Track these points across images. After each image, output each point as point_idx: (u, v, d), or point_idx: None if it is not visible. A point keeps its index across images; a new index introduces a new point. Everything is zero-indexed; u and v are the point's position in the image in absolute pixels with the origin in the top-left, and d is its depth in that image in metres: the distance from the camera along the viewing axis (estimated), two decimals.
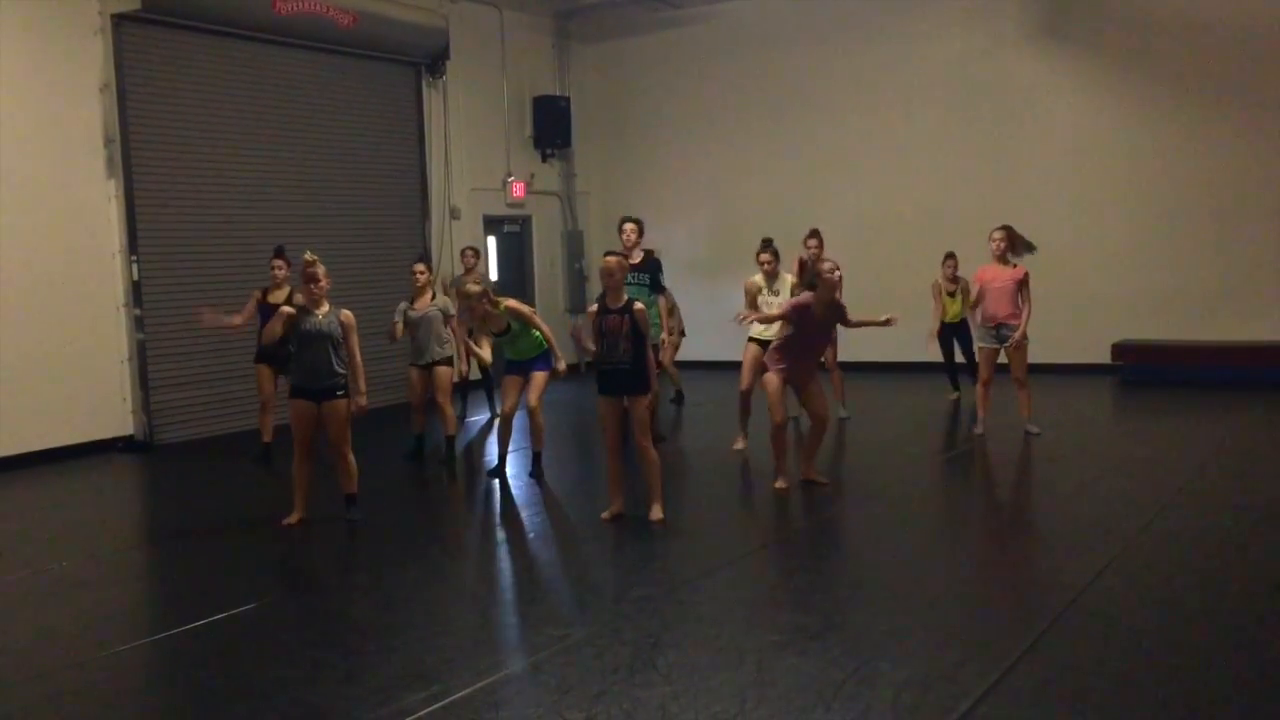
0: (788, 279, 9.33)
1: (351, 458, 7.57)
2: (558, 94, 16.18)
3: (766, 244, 9.35)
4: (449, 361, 9.64)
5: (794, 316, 7.83)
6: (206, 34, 11.62)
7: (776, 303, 9.05)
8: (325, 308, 7.43)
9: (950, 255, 11.72)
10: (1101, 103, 13.58)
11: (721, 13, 15.82)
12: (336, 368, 7.41)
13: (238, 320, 9.57)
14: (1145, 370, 12.91)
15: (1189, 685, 4.43)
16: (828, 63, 15.08)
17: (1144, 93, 13.35)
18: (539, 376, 8.62)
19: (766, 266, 9.28)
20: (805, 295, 7.90)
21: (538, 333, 8.54)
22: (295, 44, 12.50)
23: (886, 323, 8.11)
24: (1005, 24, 14.03)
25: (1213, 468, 8.49)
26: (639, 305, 7.12)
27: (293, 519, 7.54)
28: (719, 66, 15.86)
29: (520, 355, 8.62)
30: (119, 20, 10.82)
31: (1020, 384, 9.74)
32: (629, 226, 9.36)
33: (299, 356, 7.44)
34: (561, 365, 8.68)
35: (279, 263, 9.63)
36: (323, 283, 7.39)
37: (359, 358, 7.55)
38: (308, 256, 7.49)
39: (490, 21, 15.13)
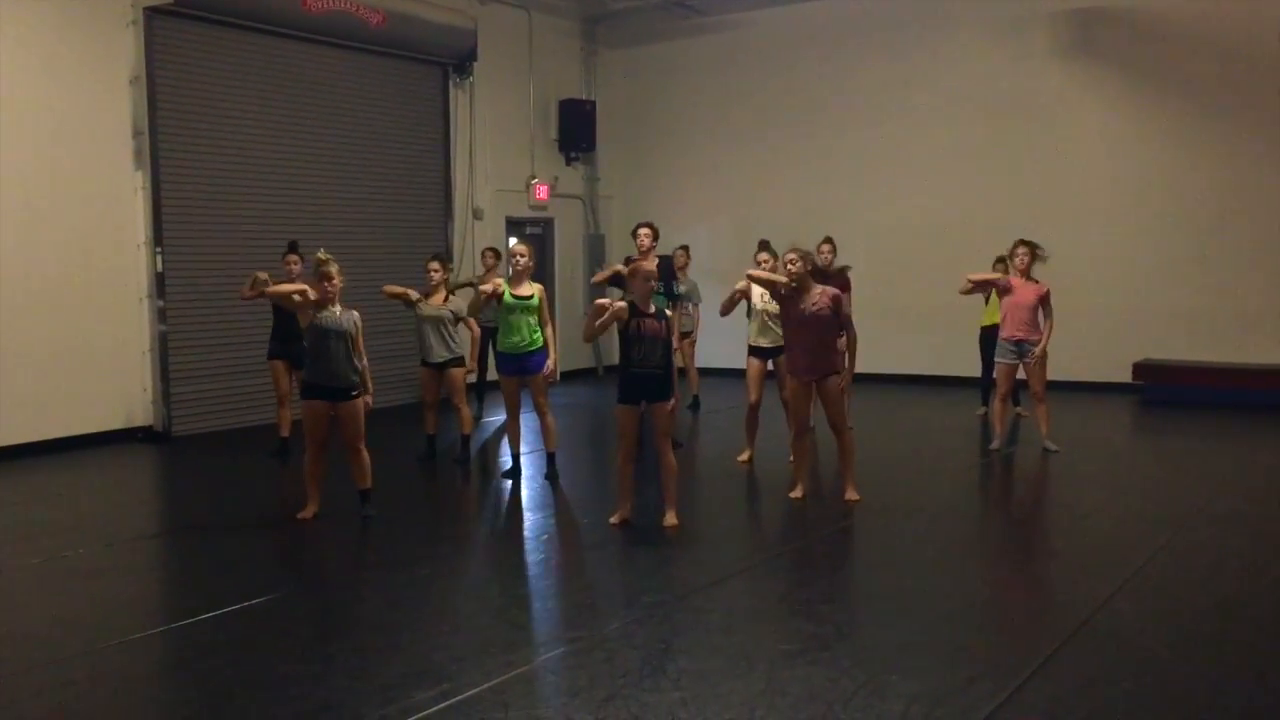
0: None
1: (366, 455, 7.59)
2: (583, 98, 16.23)
3: (763, 245, 9.28)
4: (460, 362, 9.62)
5: (776, 297, 7.84)
6: (237, 29, 11.69)
7: (775, 307, 9.03)
8: (337, 308, 7.47)
9: (1000, 260, 11.38)
10: (1130, 120, 13.52)
11: (748, 21, 15.82)
12: (355, 364, 7.45)
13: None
14: (1166, 390, 12.82)
15: (1201, 708, 4.40)
16: (854, 72, 15.06)
17: (1172, 111, 13.28)
18: (540, 378, 8.63)
19: (765, 267, 9.18)
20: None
21: (537, 328, 8.55)
22: (324, 41, 12.57)
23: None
24: (1035, 38, 13.98)
25: (1230, 491, 8.42)
26: (670, 314, 7.16)
27: (307, 513, 7.57)
28: (745, 74, 15.86)
29: (514, 347, 8.58)
30: (151, 13, 10.91)
31: (1039, 400, 9.70)
32: (644, 231, 9.34)
33: (314, 351, 7.46)
34: (553, 366, 8.69)
35: (293, 258, 9.66)
36: (336, 281, 7.43)
37: (365, 359, 7.63)
38: (321, 255, 7.54)
39: (519, 24, 15.18)
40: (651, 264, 7.27)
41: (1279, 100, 12.66)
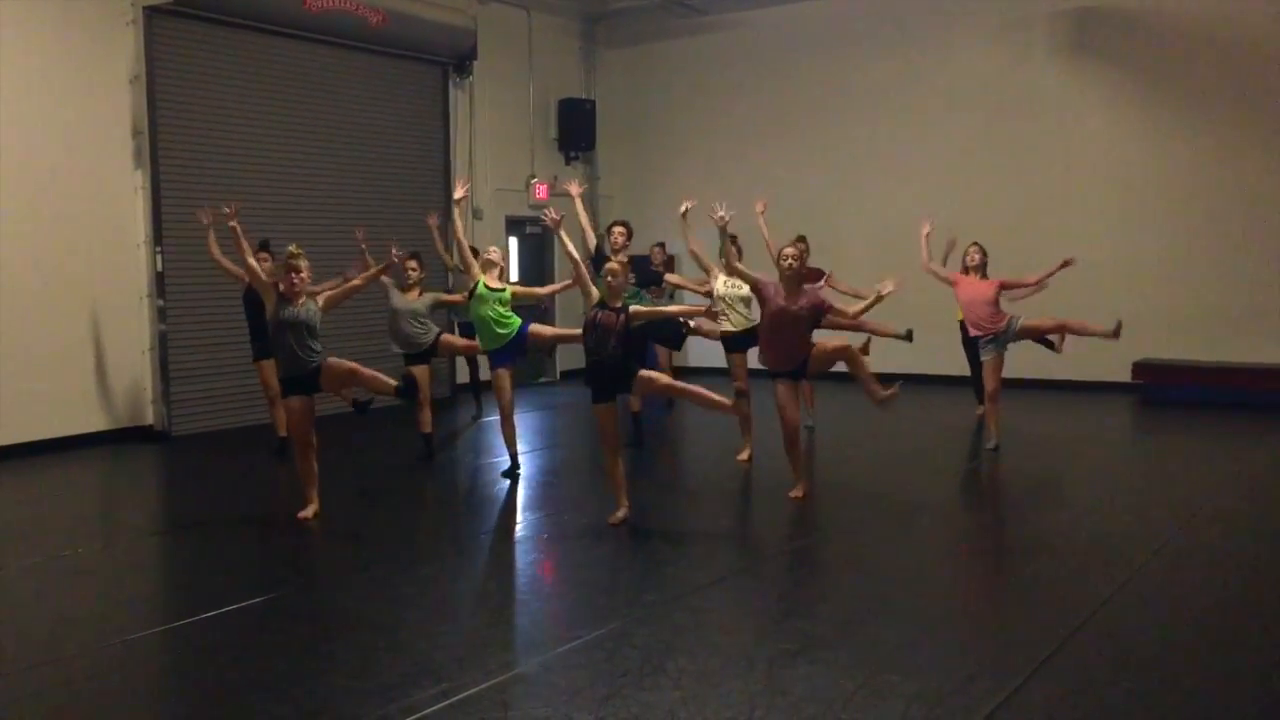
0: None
1: (368, 371, 7.65)
2: (583, 97, 16.22)
3: (732, 239, 9.43)
4: (442, 334, 9.93)
5: (758, 292, 8.00)
6: (237, 28, 11.70)
7: (739, 292, 9.22)
8: (302, 300, 7.56)
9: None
10: (1130, 119, 13.51)
11: (748, 20, 15.81)
12: (314, 348, 7.55)
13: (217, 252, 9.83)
14: (1166, 390, 12.81)
15: (1202, 709, 4.40)
16: (854, 72, 15.05)
17: (1173, 110, 13.27)
18: (537, 326, 8.88)
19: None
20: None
21: (509, 313, 8.73)
22: (324, 40, 12.57)
23: (880, 298, 8.06)
24: (1036, 37, 13.97)
25: (1230, 491, 8.43)
26: (635, 308, 7.35)
27: (307, 513, 7.57)
28: (745, 73, 15.85)
29: (496, 339, 8.70)
30: (151, 13, 10.90)
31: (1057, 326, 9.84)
32: (618, 230, 9.57)
33: (277, 344, 7.61)
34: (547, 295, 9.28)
35: (264, 255, 9.70)
36: (304, 274, 7.56)
37: (352, 281, 8.23)
38: (292, 249, 7.65)
39: (518, 23, 15.17)
40: (623, 268, 7.46)
41: (1279, 100, 12.67)
